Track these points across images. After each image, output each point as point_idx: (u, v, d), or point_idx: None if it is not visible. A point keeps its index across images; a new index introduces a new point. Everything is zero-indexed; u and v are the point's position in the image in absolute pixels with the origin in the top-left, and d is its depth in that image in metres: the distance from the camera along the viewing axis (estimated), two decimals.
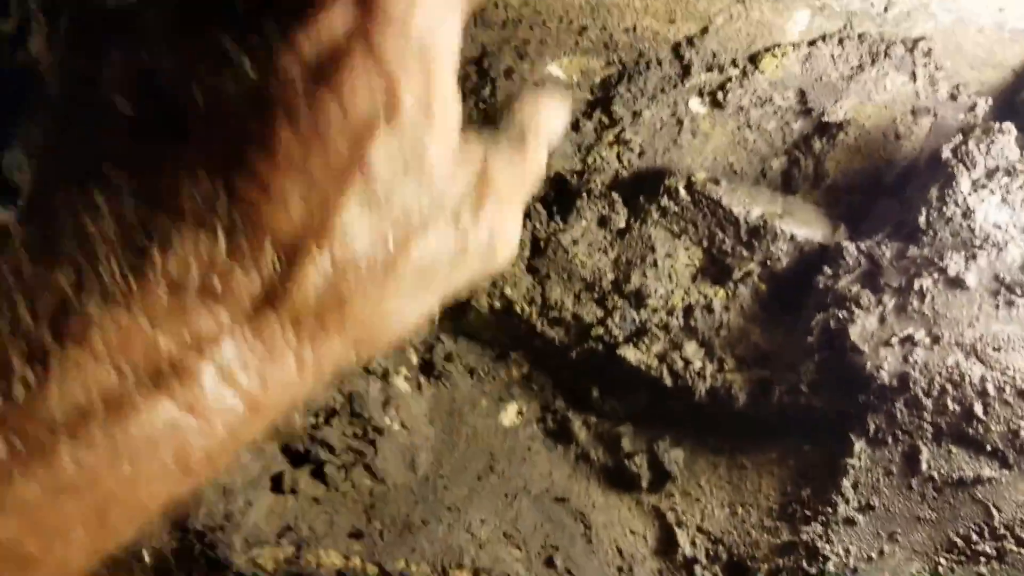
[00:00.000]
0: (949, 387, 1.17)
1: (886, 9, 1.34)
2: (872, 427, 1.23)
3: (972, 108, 1.40)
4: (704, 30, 1.39)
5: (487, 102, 1.39)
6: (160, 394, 0.40)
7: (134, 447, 0.40)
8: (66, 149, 0.51)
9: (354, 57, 0.49)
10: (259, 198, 0.45)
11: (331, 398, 1.43)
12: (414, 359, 1.59)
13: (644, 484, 1.47)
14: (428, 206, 0.51)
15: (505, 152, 0.60)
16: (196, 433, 0.42)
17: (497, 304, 1.53)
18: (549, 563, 1.37)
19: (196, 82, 0.47)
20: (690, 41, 1.41)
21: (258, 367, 0.44)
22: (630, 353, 1.48)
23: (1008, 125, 1.30)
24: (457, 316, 1.58)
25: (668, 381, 1.45)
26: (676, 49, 1.42)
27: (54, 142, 0.54)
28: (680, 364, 1.45)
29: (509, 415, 1.58)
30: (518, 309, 1.52)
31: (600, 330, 1.50)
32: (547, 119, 0.66)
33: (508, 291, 1.51)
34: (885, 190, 1.45)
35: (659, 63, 1.44)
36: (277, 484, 1.41)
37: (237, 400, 0.43)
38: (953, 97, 1.40)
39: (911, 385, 1.19)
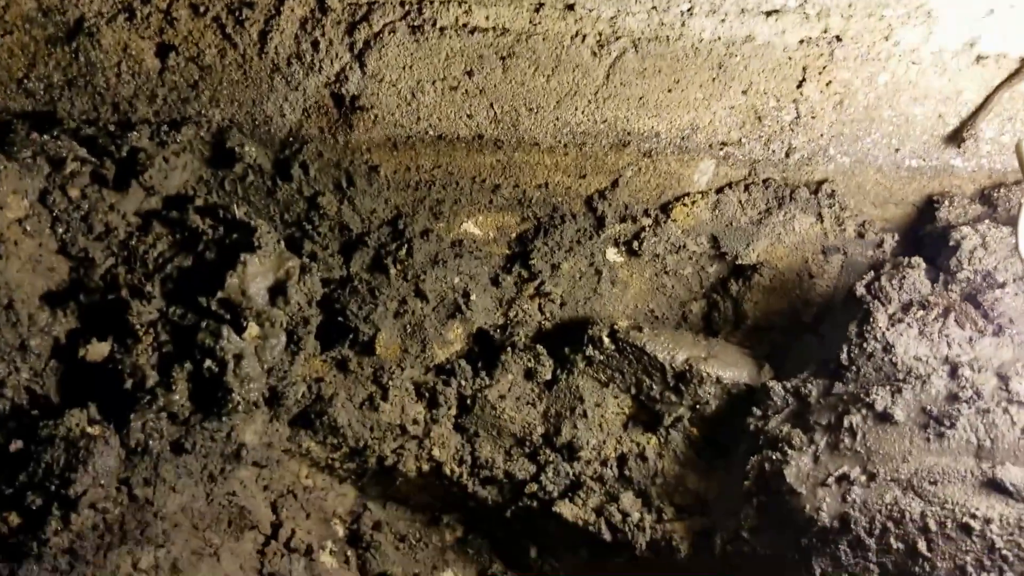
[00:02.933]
0: (891, 525, 1.15)
1: (787, 155, 1.39)
2: (818, 571, 1.19)
3: (880, 245, 1.44)
4: (615, 183, 1.41)
5: (403, 263, 1.38)
6: None
7: None
8: None
9: None
10: None
11: None
12: (340, 531, 1.51)
13: None
14: None
15: None
16: None
17: (425, 467, 1.47)
18: None
19: None
20: (602, 194, 1.43)
21: None
22: (566, 509, 1.43)
23: (917, 259, 1.34)
24: (384, 482, 1.51)
25: (607, 535, 1.40)
26: (589, 202, 1.44)
27: None
28: (618, 517, 1.40)
29: None
30: (448, 471, 1.46)
31: (534, 487, 1.45)
32: None
33: (436, 452, 1.46)
34: (805, 327, 1.47)
35: (573, 216, 1.45)
36: None
37: None
38: (860, 235, 1.44)
39: (852, 525, 1.16)
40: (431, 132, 1.33)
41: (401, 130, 1.32)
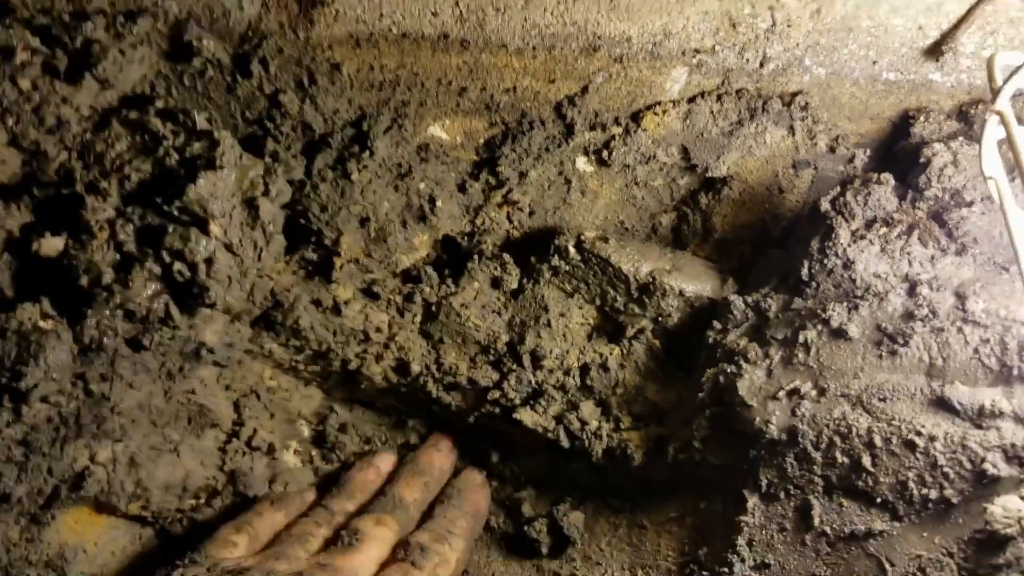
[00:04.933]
0: (837, 439, 1.15)
1: (761, 65, 1.36)
2: (764, 482, 1.20)
3: (851, 160, 1.41)
4: (584, 89, 1.38)
5: (367, 167, 1.36)
6: None
7: None
8: None
9: None
10: None
11: (211, 477, 1.35)
12: (305, 431, 1.52)
13: (544, 550, 1.43)
14: None
15: None
16: None
17: (391, 372, 1.48)
18: None
19: None
20: (571, 100, 1.40)
21: None
22: (527, 416, 1.44)
23: (886, 175, 1.31)
24: (350, 385, 1.52)
25: (565, 442, 1.41)
26: (558, 108, 1.41)
27: None
28: (577, 425, 1.41)
29: None
30: (413, 375, 1.47)
31: (496, 393, 1.46)
32: None
33: (401, 357, 1.46)
34: (772, 243, 1.45)
35: (542, 123, 1.43)
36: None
37: None
38: (832, 149, 1.41)
39: (800, 438, 1.17)
40: (394, 30, 1.29)
41: (364, 27, 1.29)
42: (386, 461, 1.48)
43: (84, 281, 1.20)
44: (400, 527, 1.29)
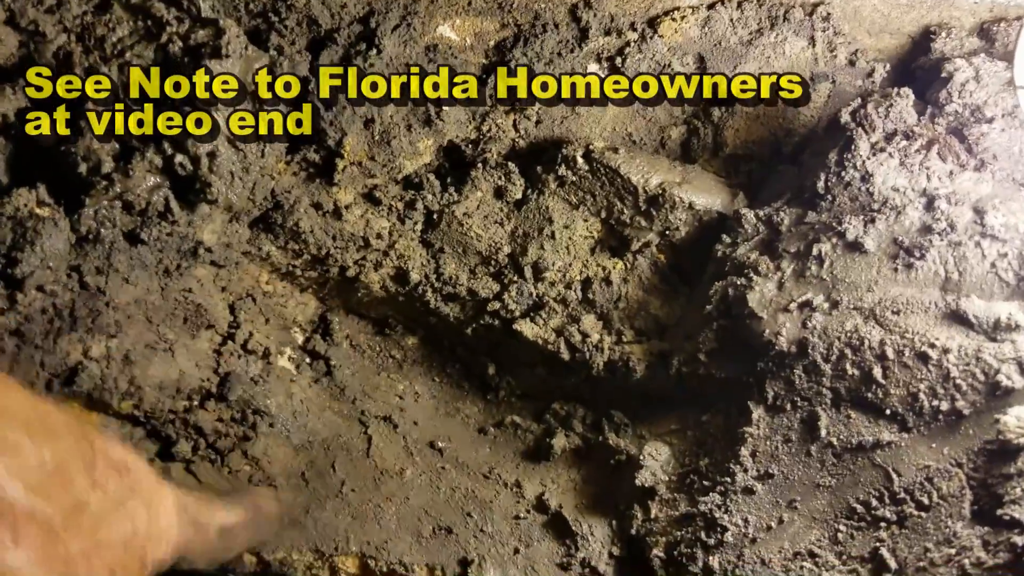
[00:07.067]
0: (848, 352, 1.14)
1: None
2: (771, 394, 1.19)
3: (870, 74, 1.38)
4: None
5: (373, 66, 1.31)
6: None
7: None
8: None
9: None
10: None
11: (205, 379, 1.33)
12: (299, 338, 1.50)
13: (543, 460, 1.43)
14: None
15: None
16: None
17: (389, 280, 1.45)
18: (443, 544, 1.30)
19: None
20: (587, 2, 1.35)
21: None
22: (527, 328, 1.42)
23: (906, 90, 1.29)
24: (346, 294, 1.50)
25: (566, 355, 1.40)
26: (573, 11, 1.37)
27: None
28: (578, 337, 1.40)
29: (400, 394, 1.51)
30: (411, 285, 1.44)
31: (496, 305, 1.44)
32: None
33: (401, 266, 1.43)
34: (784, 158, 1.43)
35: (556, 26, 1.38)
36: None
37: None
38: (851, 63, 1.38)
39: (810, 351, 1.16)
40: None
41: None
42: None
43: (83, 169, 1.15)
44: None
